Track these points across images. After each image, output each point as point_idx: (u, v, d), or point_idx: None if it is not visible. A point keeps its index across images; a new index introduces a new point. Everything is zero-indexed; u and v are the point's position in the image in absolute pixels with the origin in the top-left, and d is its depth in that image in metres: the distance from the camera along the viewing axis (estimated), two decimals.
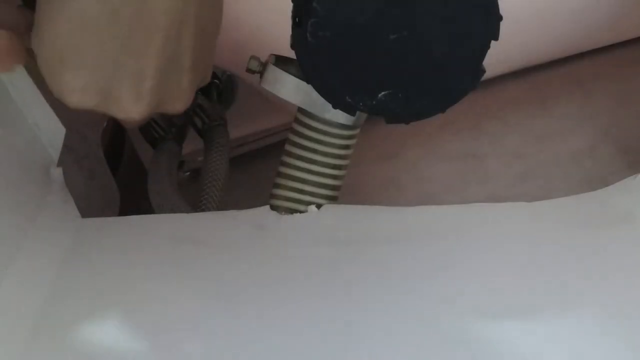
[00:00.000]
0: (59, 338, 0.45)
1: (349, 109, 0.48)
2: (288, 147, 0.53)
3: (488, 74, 0.48)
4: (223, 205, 0.61)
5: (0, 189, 0.47)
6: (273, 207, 0.53)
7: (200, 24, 0.42)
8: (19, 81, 0.51)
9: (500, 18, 0.45)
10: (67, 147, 0.58)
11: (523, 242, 0.48)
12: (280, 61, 0.51)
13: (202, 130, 0.72)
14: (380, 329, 0.43)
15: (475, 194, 0.70)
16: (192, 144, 0.74)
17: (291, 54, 0.48)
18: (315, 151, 0.52)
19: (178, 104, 0.46)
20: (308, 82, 0.48)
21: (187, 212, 0.57)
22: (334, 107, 0.48)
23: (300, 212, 0.53)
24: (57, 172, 0.54)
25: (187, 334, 0.44)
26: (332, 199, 0.54)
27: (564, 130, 0.75)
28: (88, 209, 0.56)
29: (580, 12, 0.75)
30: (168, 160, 0.69)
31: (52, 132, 0.54)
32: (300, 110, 0.52)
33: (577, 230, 0.48)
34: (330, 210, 0.52)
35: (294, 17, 0.46)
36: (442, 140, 0.77)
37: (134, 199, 0.72)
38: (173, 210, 0.58)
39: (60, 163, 0.55)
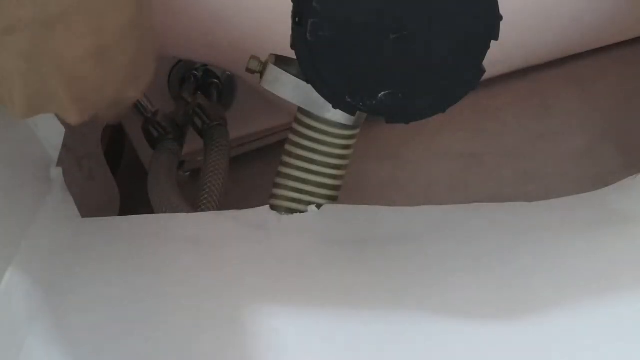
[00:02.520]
0: (58, 336, 0.45)
1: (349, 109, 0.48)
2: (288, 147, 0.53)
3: (488, 74, 0.48)
4: (223, 205, 0.61)
5: (0, 189, 0.47)
6: (273, 207, 0.53)
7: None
8: None
9: (500, 18, 0.45)
10: (67, 147, 0.58)
11: (523, 242, 0.48)
12: (280, 61, 0.51)
13: (202, 130, 0.72)
14: (379, 328, 0.43)
15: (475, 194, 0.70)
16: (192, 144, 0.74)
17: (291, 54, 0.48)
18: (315, 151, 0.52)
19: (66, 115, 0.49)
20: (308, 82, 0.48)
21: (187, 212, 0.57)
22: (334, 107, 0.48)
23: (300, 212, 0.53)
24: (57, 172, 0.54)
25: (187, 333, 0.44)
26: (332, 199, 0.54)
27: (564, 130, 0.75)
28: (88, 209, 0.56)
29: (580, 12, 0.75)
30: (168, 160, 0.69)
31: (52, 132, 0.54)
32: (300, 110, 0.52)
33: (577, 230, 0.48)
34: (330, 210, 0.52)
35: (294, 16, 0.46)
36: (442, 140, 0.77)
37: (134, 199, 0.72)
38: (173, 210, 0.58)
39: (60, 163, 0.55)
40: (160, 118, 0.72)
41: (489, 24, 0.45)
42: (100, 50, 0.46)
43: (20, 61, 0.44)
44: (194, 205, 0.61)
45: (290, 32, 0.47)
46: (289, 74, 0.50)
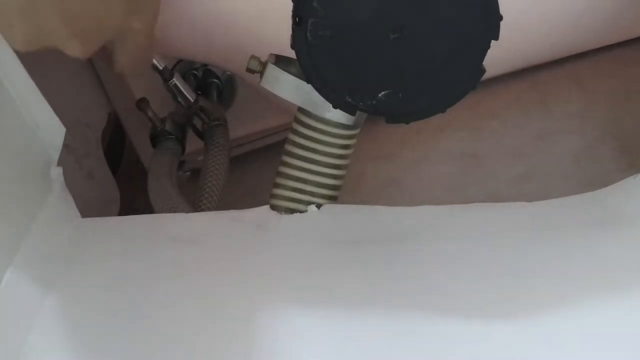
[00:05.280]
0: (58, 336, 0.45)
1: (349, 109, 0.48)
2: (288, 147, 0.53)
3: (488, 74, 0.48)
4: (223, 205, 0.61)
5: (1, 189, 0.47)
6: (273, 207, 0.53)
7: None
8: (19, 81, 0.51)
9: (500, 18, 0.45)
10: (67, 147, 0.58)
11: (523, 242, 0.48)
12: (280, 61, 0.51)
13: (202, 130, 0.72)
14: (378, 328, 0.43)
15: (475, 194, 0.70)
16: (192, 144, 0.74)
17: (291, 54, 0.48)
18: (315, 151, 0.52)
19: (68, 49, 0.49)
20: (308, 82, 0.48)
21: (187, 212, 0.57)
22: (334, 107, 0.48)
23: (300, 212, 0.53)
24: (57, 172, 0.54)
25: (187, 333, 0.44)
26: (332, 199, 0.54)
27: (564, 130, 0.75)
28: (88, 209, 0.56)
29: (580, 12, 0.75)
30: (168, 160, 0.69)
31: (52, 132, 0.54)
32: (301, 110, 0.52)
33: (577, 230, 0.48)
34: (330, 210, 0.52)
35: (294, 16, 0.46)
36: (442, 140, 0.77)
37: (134, 199, 0.72)
38: (173, 210, 0.58)
39: (60, 163, 0.55)
40: (168, 126, 0.72)
41: (489, 24, 0.45)
42: None
43: (17, 1, 0.44)
44: (194, 205, 0.61)
45: (290, 32, 0.47)
46: (289, 74, 0.50)
